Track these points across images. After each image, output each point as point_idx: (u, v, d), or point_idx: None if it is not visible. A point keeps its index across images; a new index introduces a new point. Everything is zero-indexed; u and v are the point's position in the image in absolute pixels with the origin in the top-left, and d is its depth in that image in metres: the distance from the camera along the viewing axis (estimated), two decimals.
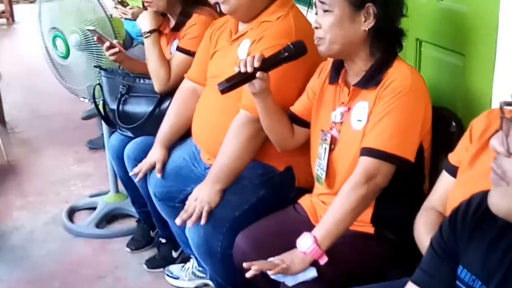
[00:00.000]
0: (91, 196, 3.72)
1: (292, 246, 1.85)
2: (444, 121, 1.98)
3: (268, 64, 1.98)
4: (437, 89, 2.11)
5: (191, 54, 2.75)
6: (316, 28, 1.92)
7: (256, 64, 1.95)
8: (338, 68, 2.00)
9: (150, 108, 2.88)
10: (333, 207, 1.85)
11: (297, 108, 2.17)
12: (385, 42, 1.90)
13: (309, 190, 2.21)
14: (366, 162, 1.83)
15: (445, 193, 1.65)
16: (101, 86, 3.04)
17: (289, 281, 1.81)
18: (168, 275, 2.88)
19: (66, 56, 3.23)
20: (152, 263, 3.00)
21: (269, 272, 1.77)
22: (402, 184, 1.90)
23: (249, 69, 1.95)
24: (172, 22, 2.95)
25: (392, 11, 1.88)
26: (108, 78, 3.03)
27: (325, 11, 1.88)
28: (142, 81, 2.97)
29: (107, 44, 2.86)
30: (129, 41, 3.98)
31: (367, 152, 1.84)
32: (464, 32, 1.97)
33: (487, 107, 1.85)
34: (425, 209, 1.71)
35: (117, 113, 2.95)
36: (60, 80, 3.36)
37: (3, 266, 3.10)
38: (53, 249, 3.23)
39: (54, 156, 4.49)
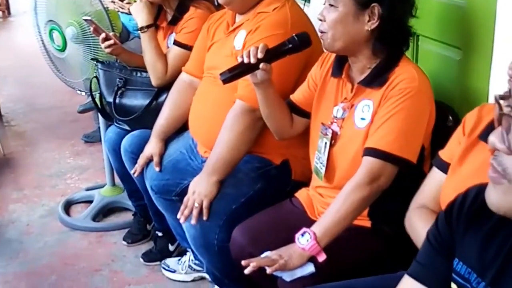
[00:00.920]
0: (88, 189, 3.72)
1: (289, 239, 1.85)
2: (441, 115, 1.97)
3: (271, 55, 1.95)
4: (434, 83, 2.09)
5: (188, 48, 2.74)
6: (320, 20, 1.91)
7: (260, 55, 1.92)
8: (341, 62, 1.99)
9: (147, 101, 2.88)
10: (335, 205, 1.85)
11: (297, 97, 2.16)
12: (390, 43, 1.88)
13: (305, 183, 2.21)
14: (371, 162, 1.83)
15: (437, 190, 1.63)
16: (97, 79, 3.04)
17: (287, 276, 1.80)
18: (164, 268, 2.88)
19: (63, 49, 3.22)
20: (148, 257, 3.00)
21: (267, 270, 1.77)
22: (401, 180, 1.90)
23: (253, 60, 1.93)
24: (169, 16, 2.94)
25: (398, 13, 1.85)
26: (105, 71, 3.03)
27: (331, 5, 1.87)
28: (139, 74, 2.96)
29: (102, 35, 2.86)
30: (125, 35, 3.97)
31: (372, 152, 1.83)
32: (461, 26, 1.97)
33: (484, 101, 1.84)
34: (416, 207, 1.69)
35: (114, 106, 2.95)
36: (56, 73, 3.35)
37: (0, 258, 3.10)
38: (50, 242, 3.23)
39: (50, 149, 4.48)
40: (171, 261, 2.89)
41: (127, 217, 3.39)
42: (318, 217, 1.97)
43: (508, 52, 1.74)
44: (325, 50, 1.99)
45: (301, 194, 2.16)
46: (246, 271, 1.77)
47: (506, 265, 0.93)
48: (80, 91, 3.31)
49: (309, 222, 1.90)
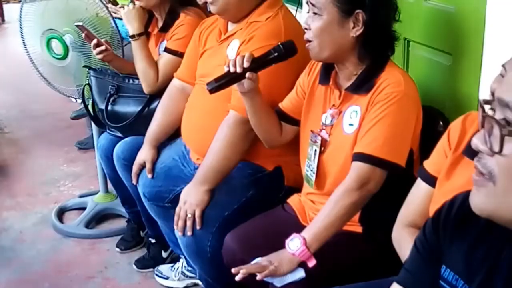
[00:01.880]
0: (81, 196, 3.71)
1: (281, 245, 1.85)
2: (431, 120, 1.98)
3: (257, 64, 1.97)
4: (424, 88, 2.11)
5: (178, 54, 2.75)
6: (306, 29, 1.92)
7: (246, 65, 1.94)
8: (328, 69, 2.00)
9: (139, 108, 2.87)
10: (324, 211, 1.85)
11: (285, 104, 2.17)
12: (375, 49, 1.89)
13: (298, 189, 2.21)
14: (360, 167, 1.83)
15: (424, 204, 1.59)
16: (90, 86, 3.03)
17: (277, 282, 1.81)
18: (157, 275, 2.88)
19: (64, 56, 3.20)
20: (141, 263, 2.99)
21: (258, 276, 1.77)
22: (391, 185, 1.90)
23: (239, 70, 1.94)
24: (160, 23, 2.94)
25: (382, 18, 1.86)
26: (97, 78, 3.02)
27: (315, 13, 1.88)
28: (131, 81, 2.96)
29: (94, 41, 2.86)
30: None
31: (361, 157, 1.84)
32: (451, 31, 1.98)
33: (474, 106, 1.85)
34: (404, 225, 1.66)
35: (106, 113, 2.94)
36: (48, 83, 3.33)
37: None
38: (43, 250, 3.22)
39: (43, 156, 4.47)
40: (164, 268, 2.89)
41: (120, 224, 3.38)
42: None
43: (498, 57, 1.74)
44: (312, 59, 1.99)
45: (293, 200, 2.16)
46: (237, 278, 1.78)
47: (492, 271, 0.93)
48: (75, 99, 3.29)
49: (301, 228, 1.90)
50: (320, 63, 2.04)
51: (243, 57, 1.95)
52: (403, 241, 1.62)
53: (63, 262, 3.10)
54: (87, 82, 3.04)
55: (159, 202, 2.57)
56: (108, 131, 3.01)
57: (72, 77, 3.33)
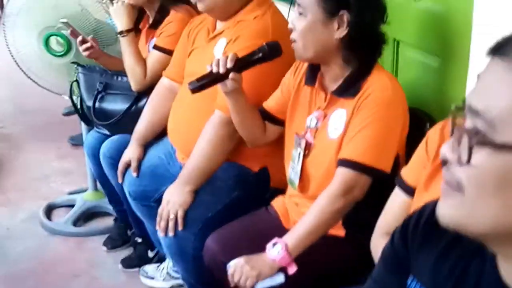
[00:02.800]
0: (70, 193, 3.67)
1: (263, 248, 1.83)
2: (418, 122, 1.94)
3: (241, 64, 1.94)
4: (412, 90, 2.08)
5: (167, 52, 2.71)
6: (291, 29, 1.89)
7: (229, 65, 1.92)
8: (314, 70, 1.96)
9: (127, 106, 2.84)
10: (308, 217, 1.82)
11: (270, 104, 2.14)
12: (360, 51, 1.85)
13: (284, 190, 2.17)
14: (345, 173, 1.80)
15: (401, 215, 1.52)
16: (78, 83, 3.00)
17: (258, 285, 1.78)
18: (143, 275, 2.84)
19: (66, 53, 3.15)
20: (127, 263, 2.96)
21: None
22: (376, 189, 1.87)
23: (221, 70, 1.92)
24: (151, 20, 2.91)
25: (368, 19, 1.82)
26: (85, 74, 2.99)
27: (300, 13, 1.85)
28: (119, 78, 2.93)
29: (79, 38, 2.82)
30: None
31: (346, 163, 1.81)
32: (439, 33, 1.95)
33: None
34: (382, 234, 1.62)
35: (93, 110, 2.91)
36: (36, 83, 3.30)
37: None
38: (29, 247, 3.18)
39: (36, 152, 4.43)
40: (149, 268, 2.85)
41: (109, 222, 3.34)
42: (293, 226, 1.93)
43: (485, 60, 1.71)
44: (297, 59, 1.96)
45: (277, 202, 2.13)
46: None
47: (460, 283, 0.90)
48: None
49: (284, 231, 1.88)
50: (305, 65, 2.00)
51: (227, 57, 1.92)
52: (380, 248, 1.58)
53: (49, 260, 3.06)
54: (75, 79, 3.01)
55: (144, 201, 2.54)
56: (95, 128, 2.98)
57: (66, 74, 3.28)
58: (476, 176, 0.79)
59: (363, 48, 1.84)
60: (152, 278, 2.81)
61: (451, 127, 0.85)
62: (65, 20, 2.89)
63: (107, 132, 2.92)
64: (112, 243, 3.13)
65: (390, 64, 2.24)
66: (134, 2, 2.84)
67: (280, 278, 1.77)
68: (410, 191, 1.55)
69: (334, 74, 1.89)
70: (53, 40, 3.12)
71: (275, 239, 1.81)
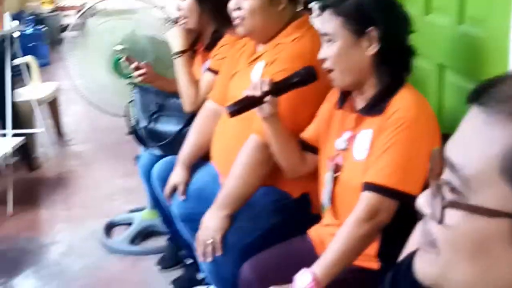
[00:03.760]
0: (130, 211, 3.73)
1: None
2: None
3: (277, 88, 1.94)
4: (458, 116, 1.98)
5: None
6: (323, 59, 1.85)
7: (265, 88, 1.91)
8: (346, 93, 1.92)
9: (180, 127, 2.86)
10: (334, 244, 1.77)
11: (308, 134, 2.10)
12: (393, 65, 1.81)
13: None
14: (369, 197, 1.74)
15: None
16: (134, 103, 3.05)
17: None
18: None
19: None
20: (178, 284, 2.97)
21: None
22: (411, 216, 1.78)
23: (257, 93, 1.91)
24: (207, 42, 2.93)
25: (396, 30, 1.80)
26: (141, 95, 3.04)
27: (329, 41, 1.83)
28: (174, 99, 2.96)
29: (133, 65, 2.88)
30: None
31: (369, 187, 1.74)
32: (480, 57, 1.85)
33: None
34: None
35: (147, 131, 2.95)
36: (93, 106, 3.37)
37: (38, 279, 3.15)
38: (87, 265, 3.26)
39: (103, 169, 4.58)
40: None
41: (164, 241, 3.37)
42: None
43: None
44: (337, 88, 1.92)
45: (313, 231, 2.07)
46: None
47: None
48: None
49: None
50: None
51: (263, 81, 1.92)
52: None
53: (104, 279, 3.13)
54: (131, 99, 3.06)
55: (192, 224, 2.52)
56: (148, 149, 3.01)
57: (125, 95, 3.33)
58: (450, 237, 0.72)
59: (395, 60, 1.81)
60: None
61: (428, 177, 0.79)
62: (120, 47, 2.95)
63: (160, 153, 2.94)
64: (165, 263, 3.15)
65: (435, 90, 2.15)
66: (191, 26, 2.87)
67: None
68: None
69: (365, 96, 1.85)
70: (123, 63, 3.18)
71: (303, 269, 1.76)
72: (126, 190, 4.16)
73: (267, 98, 1.91)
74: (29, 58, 4.99)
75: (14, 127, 4.14)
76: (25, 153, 4.49)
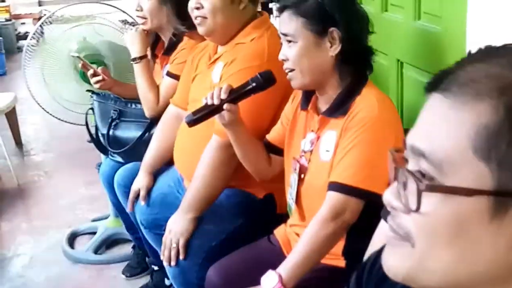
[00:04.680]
0: (93, 220, 3.68)
1: None
2: None
3: (236, 95, 1.92)
4: (418, 110, 2.00)
5: (179, 79, 2.69)
6: (284, 60, 1.84)
7: (223, 96, 1.89)
8: (308, 94, 1.92)
9: (140, 133, 2.83)
10: (300, 244, 1.76)
11: (272, 136, 2.09)
12: (355, 65, 1.82)
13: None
14: (333, 197, 1.74)
15: None
16: (93, 111, 3.01)
17: None
18: None
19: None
20: None
21: None
22: (375, 215, 1.79)
23: (216, 101, 1.89)
24: (166, 45, 2.90)
25: (357, 31, 1.80)
26: (99, 102, 3.00)
27: (289, 42, 1.81)
28: (133, 105, 2.93)
29: (90, 71, 2.84)
30: None
31: (334, 187, 1.74)
32: (438, 52, 1.87)
33: None
34: None
35: (108, 138, 2.91)
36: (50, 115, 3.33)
37: None
38: (51, 276, 3.19)
39: (64, 179, 4.49)
40: None
41: (130, 249, 3.33)
42: None
43: None
44: (295, 88, 1.92)
45: (279, 232, 2.06)
46: None
47: None
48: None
49: None
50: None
51: (221, 88, 1.90)
52: None
53: None
54: (90, 107, 3.02)
55: (156, 230, 2.50)
56: (109, 156, 2.97)
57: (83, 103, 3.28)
58: (427, 225, 0.71)
59: (357, 60, 1.81)
60: None
61: (393, 170, 0.79)
62: (76, 55, 2.91)
63: (121, 160, 2.91)
64: (131, 271, 3.11)
65: (395, 85, 2.16)
66: (150, 27, 2.83)
67: None
68: None
69: (328, 97, 1.84)
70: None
71: (269, 271, 1.75)
72: (89, 198, 4.10)
73: (226, 105, 1.89)
74: None
75: None
76: None
